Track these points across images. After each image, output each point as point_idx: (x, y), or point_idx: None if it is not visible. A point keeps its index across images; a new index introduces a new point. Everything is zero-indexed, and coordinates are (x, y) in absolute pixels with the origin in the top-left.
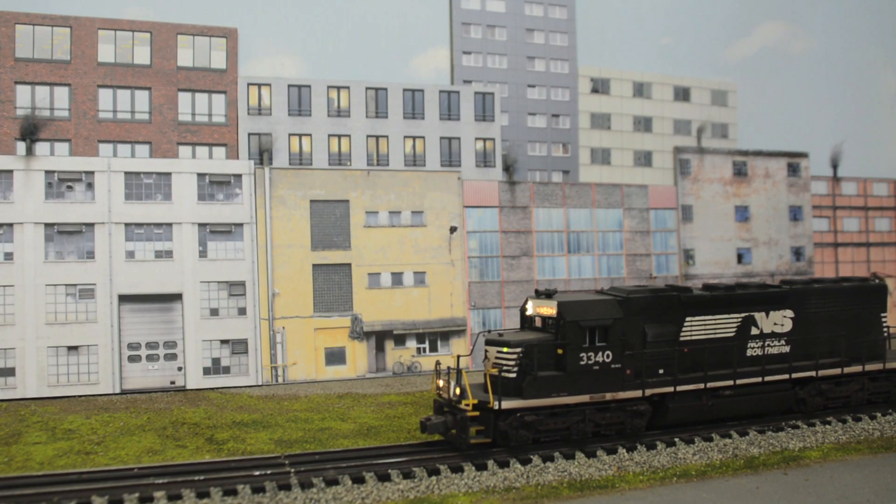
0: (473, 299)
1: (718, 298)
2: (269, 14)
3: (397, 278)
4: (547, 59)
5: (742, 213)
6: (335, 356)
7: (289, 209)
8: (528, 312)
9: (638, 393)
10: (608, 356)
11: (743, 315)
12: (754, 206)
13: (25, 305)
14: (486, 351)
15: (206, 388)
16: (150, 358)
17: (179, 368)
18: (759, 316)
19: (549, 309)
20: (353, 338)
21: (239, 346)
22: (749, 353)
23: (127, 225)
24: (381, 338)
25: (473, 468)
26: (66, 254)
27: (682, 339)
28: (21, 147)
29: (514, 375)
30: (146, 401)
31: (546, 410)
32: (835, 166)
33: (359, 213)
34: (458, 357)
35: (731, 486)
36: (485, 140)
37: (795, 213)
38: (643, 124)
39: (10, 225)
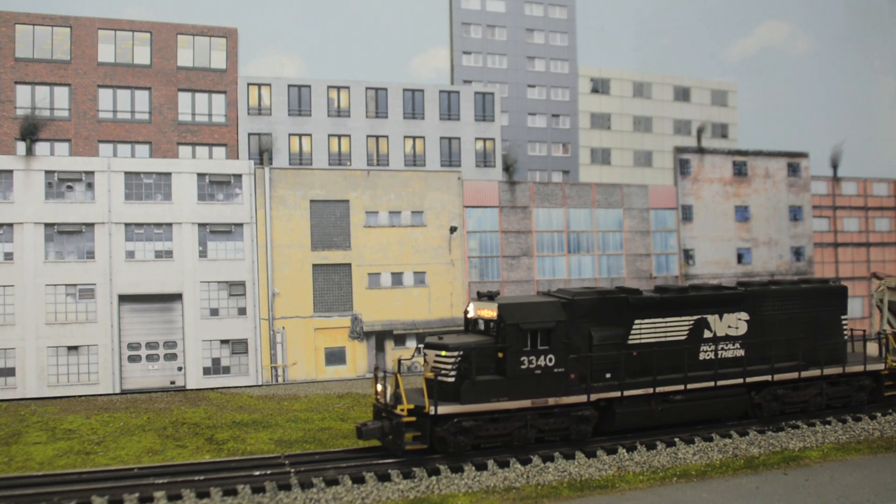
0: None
1: (669, 300)
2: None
3: (397, 278)
4: (547, 59)
5: (742, 213)
6: (335, 356)
7: (289, 209)
8: (470, 315)
9: (583, 398)
10: (551, 360)
11: (695, 318)
12: (754, 206)
13: (25, 305)
14: (424, 355)
15: (206, 388)
16: (150, 358)
17: (179, 368)
18: (712, 318)
19: (489, 311)
20: (353, 338)
21: (239, 346)
22: (702, 356)
23: (127, 225)
24: (381, 338)
25: (473, 468)
26: (66, 254)
27: (630, 342)
28: (21, 147)
29: (452, 380)
30: (146, 401)
31: (486, 416)
32: (835, 166)
33: (359, 213)
34: (399, 360)
35: (731, 486)
36: (485, 140)
37: (795, 213)
38: (643, 124)
39: (10, 225)
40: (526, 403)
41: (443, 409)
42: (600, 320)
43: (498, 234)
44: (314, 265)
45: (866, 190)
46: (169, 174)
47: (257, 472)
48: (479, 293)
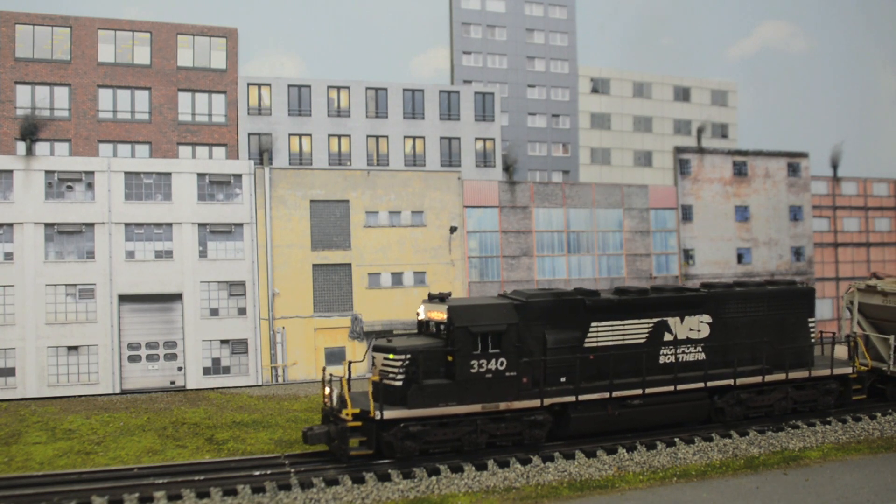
0: None
1: (627, 303)
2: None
3: (397, 278)
4: (547, 59)
5: (742, 213)
6: (335, 356)
7: (289, 209)
8: (421, 317)
9: (535, 402)
10: (502, 363)
11: (655, 320)
12: (754, 206)
13: (25, 305)
14: (373, 357)
15: (206, 388)
16: (150, 358)
17: (179, 368)
18: (672, 321)
19: (439, 313)
20: (353, 338)
21: (239, 346)
22: (662, 360)
23: (127, 225)
24: (381, 338)
25: (473, 468)
26: (66, 254)
27: (587, 345)
28: (21, 147)
29: (399, 384)
30: (146, 401)
31: (434, 420)
32: (835, 166)
33: (359, 213)
34: (349, 363)
35: (731, 486)
36: (485, 140)
37: (795, 213)
38: (643, 124)
39: (10, 225)
40: (476, 408)
41: (389, 414)
42: (555, 323)
43: (498, 234)
44: (314, 265)
45: (866, 190)
46: (169, 174)
47: (257, 472)
48: (430, 294)
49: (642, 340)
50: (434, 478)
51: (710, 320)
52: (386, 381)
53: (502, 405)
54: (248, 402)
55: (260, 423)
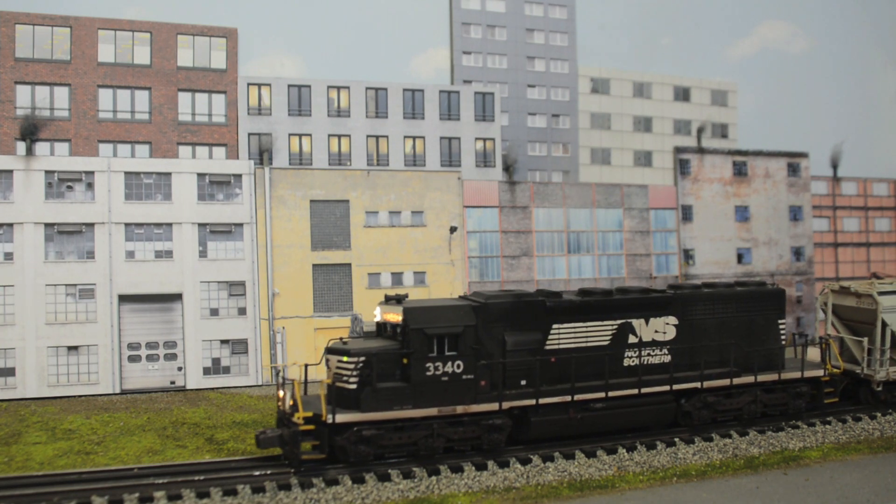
0: None
1: (590, 304)
2: (269, 14)
3: (397, 278)
4: (547, 59)
5: (742, 213)
6: None
7: (289, 209)
8: (377, 319)
9: (494, 406)
10: (459, 366)
11: (619, 322)
12: (754, 206)
13: (25, 305)
14: (327, 360)
15: (206, 388)
16: (150, 358)
17: (179, 368)
18: (637, 323)
19: (395, 315)
20: (353, 338)
21: (239, 346)
22: (626, 362)
23: (127, 225)
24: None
25: (473, 468)
26: (66, 254)
27: (548, 347)
28: (21, 147)
29: (353, 387)
30: (146, 401)
31: (389, 424)
32: (835, 166)
33: (359, 213)
34: (306, 366)
35: (731, 486)
36: (485, 140)
37: (795, 213)
38: (643, 124)
39: (10, 225)
40: (432, 412)
41: (341, 418)
42: (515, 325)
43: (498, 234)
44: (314, 265)
45: (866, 190)
46: (169, 174)
47: (257, 472)
48: (386, 296)
49: (606, 342)
50: (434, 478)
51: (677, 322)
52: (339, 384)
53: (459, 409)
54: (248, 402)
55: (260, 424)
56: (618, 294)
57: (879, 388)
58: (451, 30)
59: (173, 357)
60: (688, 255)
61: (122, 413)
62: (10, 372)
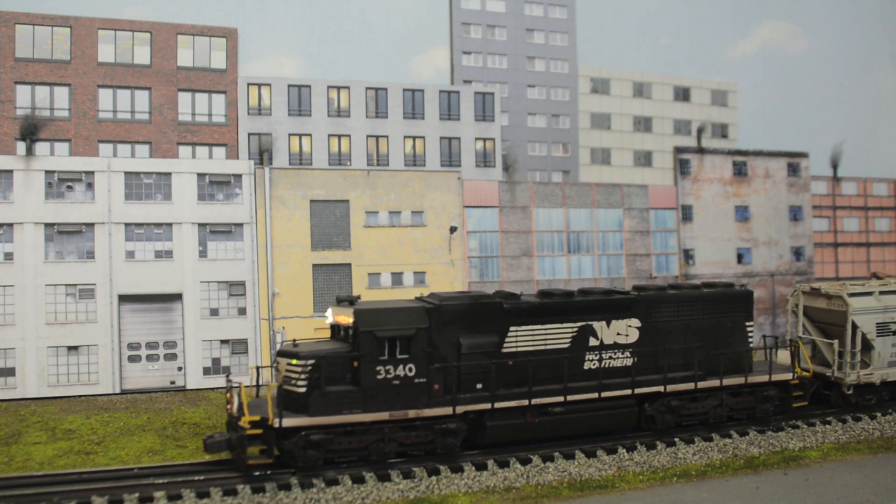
0: None
1: (549, 306)
2: (269, 14)
3: (397, 278)
4: (547, 59)
5: (742, 213)
6: None
7: (289, 209)
8: (329, 321)
9: (448, 410)
10: (411, 369)
11: (580, 324)
12: (754, 206)
13: (25, 305)
14: (276, 363)
15: (206, 388)
16: (150, 358)
17: (179, 368)
18: (598, 325)
19: (346, 317)
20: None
21: (239, 346)
22: (586, 366)
23: (127, 225)
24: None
25: (473, 468)
26: (66, 254)
27: (505, 350)
28: (21, 147)
29: (302, 390)
30: (146, 401)
31: (339, 429)
32: (835, 166)
33: (359, 213)
34: (257, 369)
35: (731, 486)
36: (485, 140)
37: (795, 213)
38: (643, 124)
39: (10, 225)
40: (383, 416)
41: (288, 422)
42: (471, 327)
43: (498, 234)
44: (314, 265)
45: (866, 190)
46: (169, 174)
47: (257, 472)
48: (338, 298)
49: (566, 345)
50: (434, 478)
51: (640, 324)
52: (288, 388)
53: (411, 413)
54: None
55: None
56: (579, 296)
57: (850, 392)
58: (451, 30)
59: (173, 357)
60: (688, 255)
61: (122, 413)
62: (10, 372)
